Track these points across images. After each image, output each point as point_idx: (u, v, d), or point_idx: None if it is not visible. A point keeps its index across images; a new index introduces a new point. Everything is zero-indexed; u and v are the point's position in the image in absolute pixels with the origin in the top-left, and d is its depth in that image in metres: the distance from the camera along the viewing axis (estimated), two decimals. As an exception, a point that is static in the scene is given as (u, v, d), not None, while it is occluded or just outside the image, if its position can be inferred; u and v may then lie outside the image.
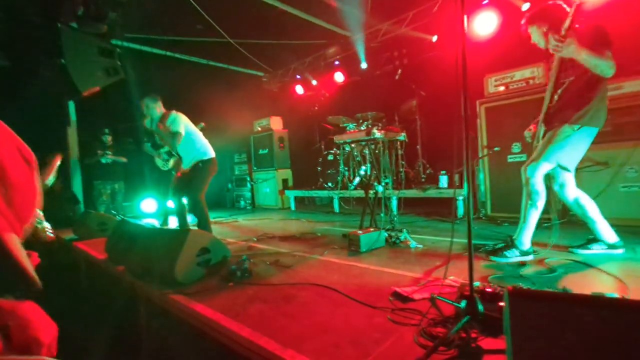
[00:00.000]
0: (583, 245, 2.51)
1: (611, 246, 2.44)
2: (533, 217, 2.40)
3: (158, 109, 3.81)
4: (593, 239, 2.50)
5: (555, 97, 2.38)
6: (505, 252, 2.38)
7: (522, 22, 2.47)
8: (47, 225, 2.06)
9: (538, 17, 2.38)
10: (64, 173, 6.14)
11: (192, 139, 3.77)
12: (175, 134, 3.61)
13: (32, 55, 3.81)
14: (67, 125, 5.92)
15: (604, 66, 2.13)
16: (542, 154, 2.36)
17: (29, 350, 0.93)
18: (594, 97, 2.26)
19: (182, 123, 3.71)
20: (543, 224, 3.58)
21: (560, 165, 2.37)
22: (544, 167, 2.36)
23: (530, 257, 2.39)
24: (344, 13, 5.81)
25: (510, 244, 2.45)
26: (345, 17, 5.96)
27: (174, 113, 3.75)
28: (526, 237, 2.40)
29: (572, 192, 2.47)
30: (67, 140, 5.90)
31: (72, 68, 3.64)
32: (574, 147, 2.33)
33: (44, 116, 5.49)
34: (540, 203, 2.38)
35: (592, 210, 2.43)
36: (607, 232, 2.44)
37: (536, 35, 2.42)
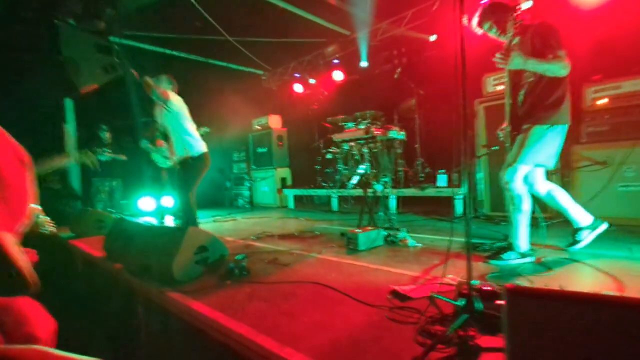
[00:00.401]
0: (573, 241, 2.50)
1: (592, 227, 2.45)
2: (522, 220, 2.39)
3: (165, 89, 3.65)
4: (575, 230, 2.50)
5: (520, 98, 2.39)
6: (503, 255, 2.37)
7: (474, 26, 2.54)
8: (47, 218, 2.05)
9: (484, 16, 2.48)
10: (62, 169, 6.13)
11: (184, 124, 3.69)
12: (164, 93, 3.51)
13: (30, 52, 3.79)
14: (65, 122, 5.90)
15: (555, 69, 2.16)
16: (518, 157, 2.36)
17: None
18: (562, 96, 2.29)
19: (176, 102, 3.64)
20: (541, 223, 3.60)
21: (539, 164, 2.38)
22: (522, 170, 2.36)
23: (529, 259, 2.37)
24: (346, 11, 5.80)
25: (508, 246, 2.45)
26: (348, 15, 5.94)
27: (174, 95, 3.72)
28: (522, 240, 2.39)
29: (543, 186, 2.49)
30: (64, 137, 5.88)
31: (69, 65, 3.62)
32: (547, 145, 2.33)
33: (41, 113, 5.46)
34: (525, 206, 2.37)
35: (564, 199, 2.46)
36: (581, 216, 2.46)
37: (493, 32, 2.51)
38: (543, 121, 2.31)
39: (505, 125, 2.60)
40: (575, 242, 2.48)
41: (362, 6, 5.71)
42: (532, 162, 2.35)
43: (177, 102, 3.64)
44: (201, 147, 3.77)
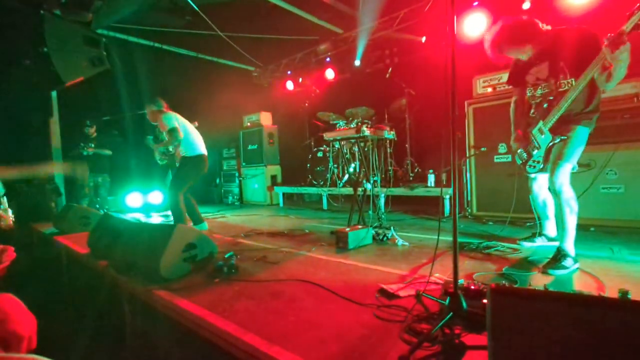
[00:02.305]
0: (529, 238, 2.79)
1: (551, 239, 2.71)
2: (574, 223, 2.25)
3: (161, 112, 3.80)
4: (537, 233, 2.80)
5: (566, 104, 2.23)
6: (563, 263, 2.19)
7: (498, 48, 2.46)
8: (10, 213, 1.96)
9: (521, 40, 2.35)
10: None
11: (185, 137, 3.78)
12: (171, 130, 3.61)
13: (13, 42, 3.67)
14: (49, 116, 5.75)
15: (626, 68, 2.00)
16: (562, 156, 2.26)
17: (8, 344, 0.90)
18: (599, 103, 2.28)
19: (175, 119, 3.73)
20: (526, 224, 3.67)
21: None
22: (568, 168, 2.26)
23: (578, 264, 2.26)
24: (339, 9, 5.78)
25: (561, 254, 2.25)
26: (340, 13, 5.92)
27: (166, 112, 3.79)
28: (572, 244, 2.28)
29: (545, 193, 2.61)
30: (48, 131, 5.74)
31: (55, 57, 3.52)
32: (583, 146, 2.30)
33: (25, 106, 5.32)
34: (577, 207, 2.25)
35: (550, 211, 2.67)
36: (552, 229, 2.71)
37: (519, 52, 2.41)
38: (587, 123, 2.27)
39: (520, 134, 2.55)
40: (531, 240, 2.76)
41: (356, 5, 5.72)
42: (574, 161, 2.26)
43: (169, 121, 3.69)
44: (199, 149, 3.86)
